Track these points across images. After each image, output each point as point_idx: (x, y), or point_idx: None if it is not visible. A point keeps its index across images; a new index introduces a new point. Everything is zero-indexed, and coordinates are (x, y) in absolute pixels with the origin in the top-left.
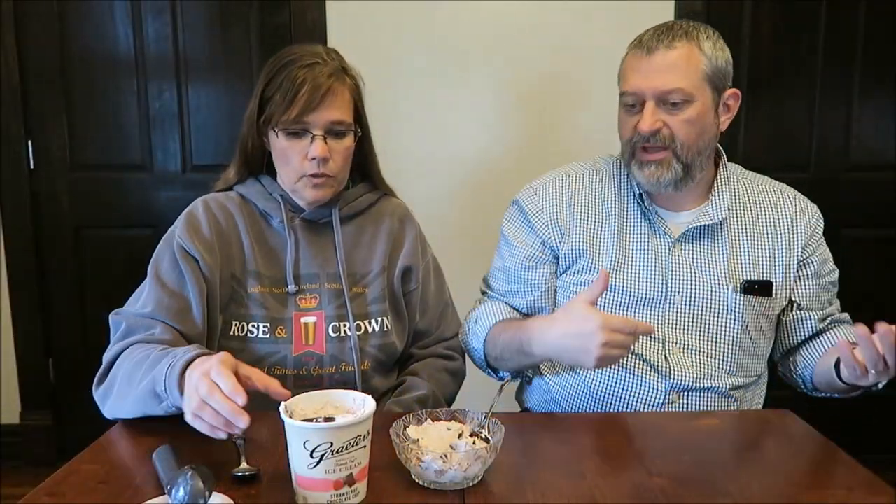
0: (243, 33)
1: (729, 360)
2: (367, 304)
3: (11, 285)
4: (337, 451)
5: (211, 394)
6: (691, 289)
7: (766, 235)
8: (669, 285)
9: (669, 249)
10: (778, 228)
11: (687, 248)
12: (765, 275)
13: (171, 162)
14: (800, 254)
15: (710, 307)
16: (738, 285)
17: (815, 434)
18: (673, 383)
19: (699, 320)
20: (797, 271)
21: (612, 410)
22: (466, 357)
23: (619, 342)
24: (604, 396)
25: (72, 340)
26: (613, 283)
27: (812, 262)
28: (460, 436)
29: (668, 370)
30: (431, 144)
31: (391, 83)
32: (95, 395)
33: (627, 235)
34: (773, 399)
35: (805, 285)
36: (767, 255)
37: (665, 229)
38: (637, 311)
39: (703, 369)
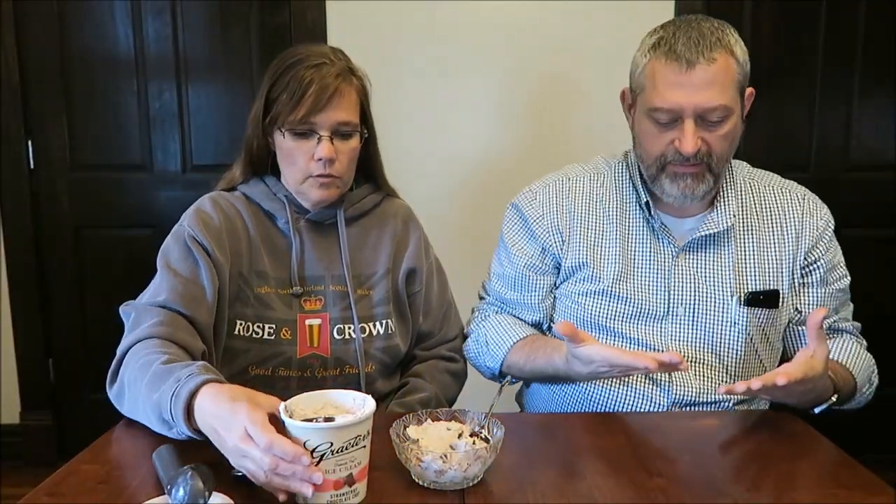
0: (243, 33)
1: (733, 373)
2: (372, 307)
3: (11, 285)
4: (337, 452)
5: (275, 467)
6: (695, 300)
7: (772, 241)
8: (673, 297)
9: (673, 259)
10: (785, 232)
11: (691, 257)
12: (772, 283)
13: (171, 162)
14: (804, 258)
15: (714, 319)
16: (743, 296)
17: (815, 434)
18: (675, 398)
19: (703, 333)
20: (801, 278)
21: None
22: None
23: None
24: (604, 410)
25: (72, 340)
26: (615, 293)
27: (818, 269)
28: (460, 436)
29: (670, 384)
30: (431, 144)
31: (391, 83)
32: (109, 394)
33: (630, 244)
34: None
35: (809, 293)
36: (774, 262)
37: (669, 238)
38: (640, 322)
39: (706, 383)
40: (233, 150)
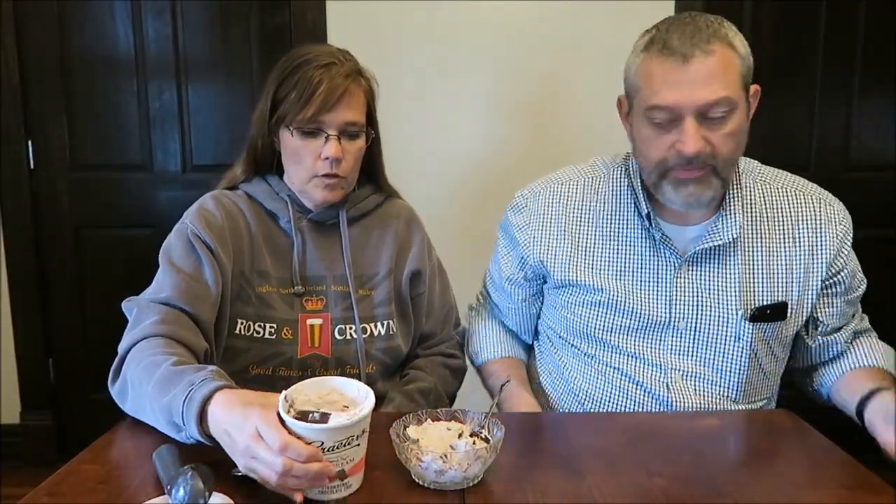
0: (243, 33)
1: (735, 388)
2: (374, 307)
3: (11, 285)
4: (328, 450)
5: (289, 469)
6: (698, 315)
7: (783, 250)
8: (674, 310)
9: (675, 271)
10: (797, 241)
11: (694, 270)
12: (780, 295)
13: (171, 162)
14: (825, 271)
15: (717, 334)
16: (749, 311)
17: (815, 434)
18: (674, 412)
19: (704, 347)
20: (823, 289)
21: None
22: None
23: None
24: None
25: (72, 340)
26: (614, 304)
27: (842, 280)
28: (460, 436)
29: (669, 400)
30: (432, 144)
31: (391, 83)
32: (111, 391)
33: (628, 253)
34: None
35: (832, 303)
36: (784, 271)
37: (671, 249)
38: (638, 334)
39: (707, 398)
40: (233, 150)
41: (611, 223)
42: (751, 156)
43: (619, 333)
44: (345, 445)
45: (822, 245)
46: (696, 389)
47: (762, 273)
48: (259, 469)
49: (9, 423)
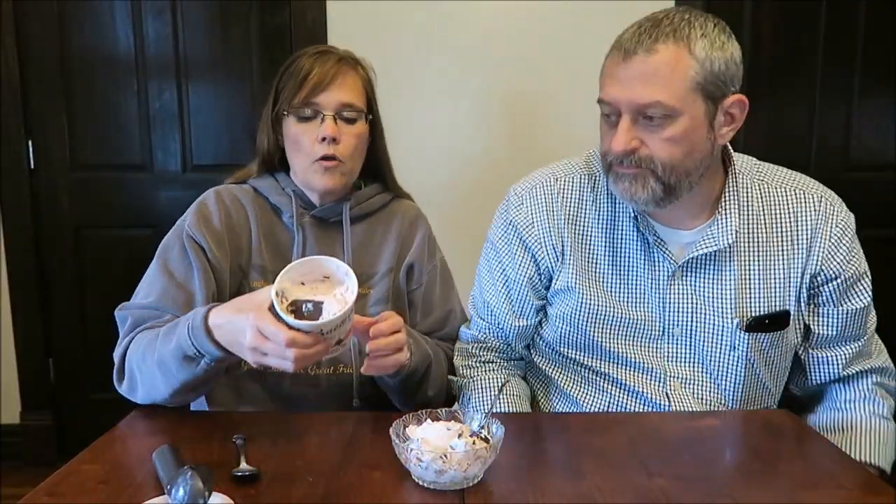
0: (243, 33)
1: (734, 397)
2: (369, 307)
3: (11, 285)
4: (326, 332)
5: (298, 358)
6: (693, 322)
7: (782, 253)
8: (668, 317)
9: (669, 277)
10: (796, 243)
11: (689, 276)
12: (779, 304)
13: (171, 162)
14: (817, 270)
15: (713, 343)
16: (745, 321)
17: (815, 434)
18: None
19: (700, 355)
20: (816, 294)
21: None
22: None
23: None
24: None
25: (72, 340)
26: (606, 311)
27: (835, 284)
28: (460, 436)
29: (667, 407)
30: (431, 145)
31: (391, 83)
32: (120, 390)
33: (622, 258)
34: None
35: (826, 313)
36: (783, 276)
37: (665, 253)
38: (634, 342)
39: (705, 406)
40: (233, 149)
41: (605, 224)
42: (752, 156)
43: (617, 341)
44: (339, 326)
45: (817, 245)
46: (695, 397)
47: (759, 281)
48: (271, 363)
49: (9, 423)
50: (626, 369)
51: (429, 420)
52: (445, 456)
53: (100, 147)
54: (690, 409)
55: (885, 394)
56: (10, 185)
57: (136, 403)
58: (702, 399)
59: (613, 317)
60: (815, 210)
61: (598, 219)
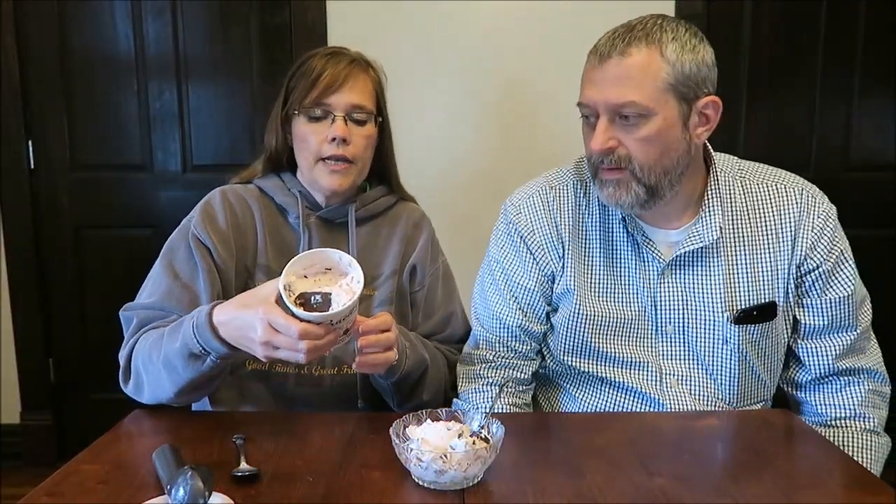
0: (243, 33)
1: (729, 391)
2: (373, 308)
3: (11, 285)
4: (335, 323)
5: (311, 350)
6: (684, 318)
7: (767, 247)
8: (660, 314)
9: (658, 275)
10: (780, 236)
11: (678, 273)
12: (767, 295)
13: (171, 162)
14: (801, 260)
15: (705, 337)
16: (734, 314)
17: (815, 434)
18: None
19: (695, 350)
20: (801, 284)
21: None
22: None
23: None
24: None
25: (72, 340)
26: (601, 314)
27: (818, 273)
28: (460, 436)
29: (665, 405)
30: (432, 144)
31: (391, 83)
32: (126, 391)
33: (615, 260)
34: (773, 398)
35: (811, 303)
36: (769, 269)
37: (654, 252)
38: (629, 340)
39: (702, 402)
40: (233, 149)
41: (598, 228)
42: (751, 156)
43: (612, 340)
44: (347, 315)
45: (801, 236)
46: (691, 393)
47: (746, 274)
48: (282, 356)
49: (9, 423)
50: (623, 370)
51: (429, 420)
52: (445, 456)
53: (100, 147)
54: (689, 407)
55: (878, 402)
56: (10, 185)
57: (138, 403)
58: (699, 395)
59: (608, 318)
60: (797, 203)
61: (593, 223)
